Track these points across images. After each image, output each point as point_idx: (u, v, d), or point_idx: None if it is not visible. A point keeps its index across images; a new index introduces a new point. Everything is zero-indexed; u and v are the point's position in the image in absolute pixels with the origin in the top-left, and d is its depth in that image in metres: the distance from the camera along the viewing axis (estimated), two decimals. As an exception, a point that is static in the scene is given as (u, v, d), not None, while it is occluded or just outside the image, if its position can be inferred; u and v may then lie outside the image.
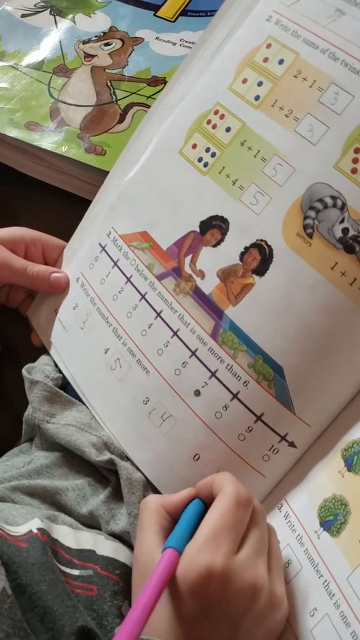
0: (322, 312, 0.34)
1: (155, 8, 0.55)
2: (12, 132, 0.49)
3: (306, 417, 0.35)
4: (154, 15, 0.55)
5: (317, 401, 0.35)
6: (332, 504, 0.32)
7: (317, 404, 0.35)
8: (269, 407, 0.35)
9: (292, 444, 0.35)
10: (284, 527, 0.34)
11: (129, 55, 0.52)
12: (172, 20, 0.54)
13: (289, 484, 0.36)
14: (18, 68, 0.53)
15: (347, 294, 0.33)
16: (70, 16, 0.55)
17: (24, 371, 0.42)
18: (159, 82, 0.50)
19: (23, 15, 0.56)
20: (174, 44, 0.52)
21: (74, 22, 0.55)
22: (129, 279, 0.40)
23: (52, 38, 0.55)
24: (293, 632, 0.31)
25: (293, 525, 0.34)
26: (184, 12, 0.54)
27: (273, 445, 0.35)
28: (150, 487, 0.38)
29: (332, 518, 0.32)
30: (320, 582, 0.31)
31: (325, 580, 0.30)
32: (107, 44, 0.53)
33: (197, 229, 0.38)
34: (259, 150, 0.36)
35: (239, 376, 0.35)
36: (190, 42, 0.52)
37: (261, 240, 0.35)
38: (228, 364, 0.36)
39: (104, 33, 0.54)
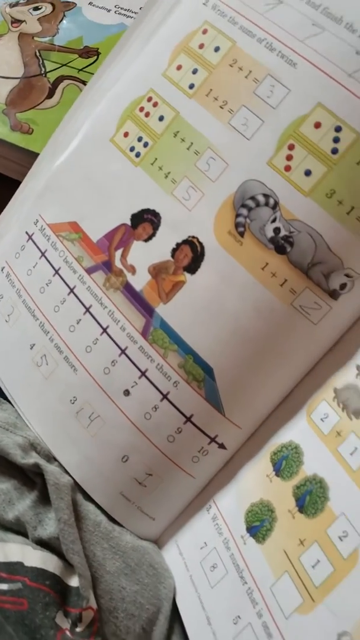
0: (253, 313, 0.34)
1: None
2: None
3: (236, 418, 0.35)
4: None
5: (247, 403, 0.35)
6: (258, 509, 0.33)
7: (247, 406, 0.35)
8: (198, 409, 0.35)
9: (222, 446, 0.35)
10: (211, 529, 0.35)
11: (60, 21, 0.50)
12: None
13: (218, 485, 0.36)
14: None
15: (277, 296, 0.33)
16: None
17: None
18: (91, 53, 0.48)
19: None
20: (109, 10, 0.50)
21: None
22: (57, 271, 0.39)
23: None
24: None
25: (220, 529, 0.34)
26: None
27: (203, 447, 0.35)
28: (79, 490, 0.38)
29: (258, 524, 0.32)
30: (244, 590, 0.31)
31: (249, 588, 0.31)
32: (36, 8, 0.50)
33: (129, 222, 0.37)
34: (192, 143, 0.35)
35: (169, 376, 0.35)
36: (126, 10, 0.50)
37: (193, 237, 0.35)
38: (158, 364, 0.36)
39: (33, -6, 0.51)
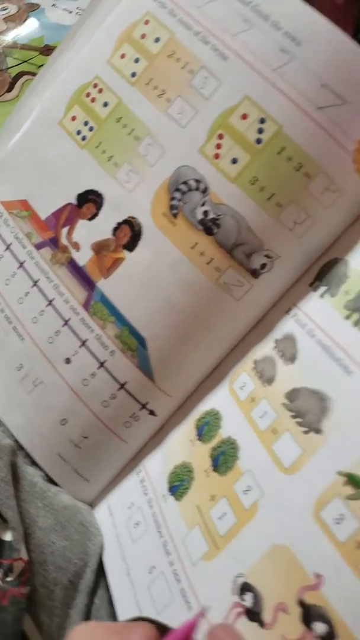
0: (182, 288, 0.36)
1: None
2: None
3: (166, 387, 0.38)
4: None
5: (176, 372, 0.38)
6: (180, 470, 0.36)
7: (176, 375, 0.38)
8: (131, 377, 0.38)
9: (152, 413, 0.38)
10: (138, 490, 0.38)
11: (24, 21, 0.53)
12: None
13: (149, 450, 0.39)
14: None
15: (204, 273, 0.36)
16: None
17: None
18: (51, 51, 0.51)
19: None
20: (70, 12, 0.53)
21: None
22: (8, 247, 0.42)
23: None
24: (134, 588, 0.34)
25: (146, 489, 0.37)
26: None
27: (134, 413, 0.38)
28: (20, 453, 0.40)
29: (178, 483, 0.35)
30: (160, 543, 0.34)
31: (165, 541, 0.34)
32: (2, 9, 0.53)
33: (75, 202, 0.40)
34: (133, 129, 0.38)
35: (106, 346, 0.38)
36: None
37: (132, 217, 0.38)
38: (97, 334, 0.39)
39: (-1, -5, 0.54)
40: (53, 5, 0.54)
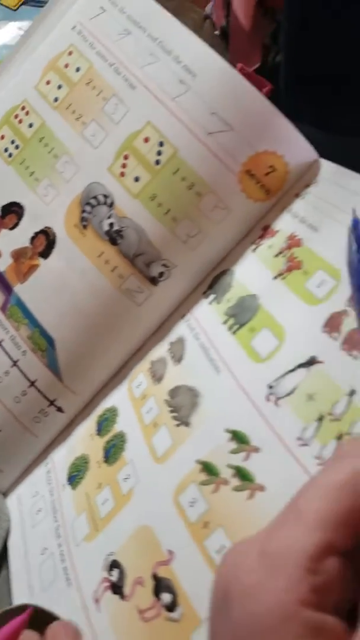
0: (89, 294, 0.40)
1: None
2: None
3: (73, 386, 0.41)
4: (-2, 2, 0.60)
5: (83, 372, 0.41)
6: (79, 462, 0.39)
7: (83, 375, 0.41)
8: (41, 375, 0.41)
9: (60, 409, 0.41)
10: (44, 480, 0.41)
11: None
12: (14, 8, 0.59)
13: (57, 444, 0.42)
14: None
15: (109, 280, 0.39)
16: None
17: None
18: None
19: None
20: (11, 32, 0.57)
21: None
22: None
23: None
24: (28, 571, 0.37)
25: (51, 480, 0.40)
26: (26, 1, 0.59)
27: (43, 409, 0.41)
28: None
29: (75, 473, 0.38)
30: (54, 527, 0.37)
31: (58, 525, 0.37)
32: None
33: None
34: (53, 148, 0.42)
35: (19, 346, 0.42)
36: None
37: (48, 227, 0.41)
38: (12, 335, 0.42)
39: None
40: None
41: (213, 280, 0.39)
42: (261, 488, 0.28)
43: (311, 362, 0.29)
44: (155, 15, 0.40)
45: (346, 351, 0.28)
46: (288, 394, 0.29)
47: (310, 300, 0.32)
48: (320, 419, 0.27)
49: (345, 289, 0.30)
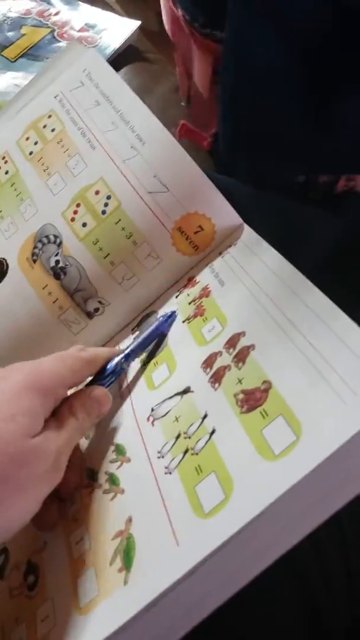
0: (30, 320, 0.46)
1: (2, 48, 0.71)
2: None
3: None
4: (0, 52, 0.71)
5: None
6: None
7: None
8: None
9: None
10: None
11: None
12: (13, 60, 0.69)
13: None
14: None
15: (49, 310, 0.46)
16: None
17: None
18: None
19: None
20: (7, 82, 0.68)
21: None
22: None
23: None
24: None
25: None
26: (25, 54, 0.69)
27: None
28: None
29: None
30: None
31: None
32: None
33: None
34: (20, 192, 0.50)
35: None
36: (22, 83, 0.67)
37: (3, 258, 0.49)
38: None
39: None
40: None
41: (142, 318, 0.45)
42: (122, 491, 0.33)
43: (185, 391, 0.35)
44: (121, 91, 0.48)
45: (210, 383, 0.34)
46: (162, 416, 0.35)
47: (200, 342, 0.38)
48: (178, 437, 0.33)
49: (226, 334, 0.37)
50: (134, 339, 0.42)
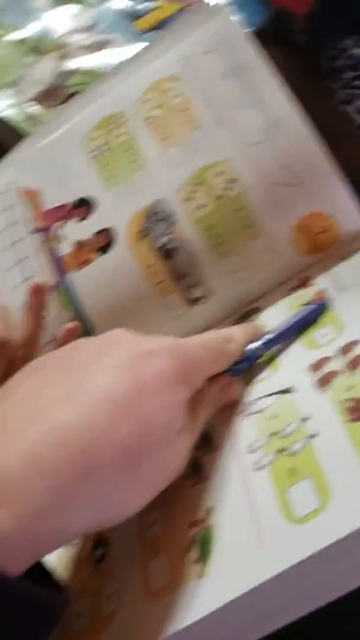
0: (131, 296, 0.46)
1: (137, 17, 0.73)
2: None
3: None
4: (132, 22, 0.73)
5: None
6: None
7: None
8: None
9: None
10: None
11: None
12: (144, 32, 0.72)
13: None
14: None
15: (152, 290, 0.46)
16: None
17: None
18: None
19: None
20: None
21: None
22: (13, 224, 0.54)
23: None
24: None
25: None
26: (156, 27, 0.71)
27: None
28: None
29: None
30: None
31: None
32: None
33: (74, 203, 0.51)
34: (136, 160, 0.49)
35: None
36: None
37: (112, 227, 0.49)
38: (54, 316, 0.49)
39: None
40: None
41: (244, 314, 0.45)
42: (205, 479, 0.33)
43: (286, 391, 0.35)
44: (257, 65, 0.46)
45: (316, 387, 0.34)
46: (257, 412, 0.35)
47: (311, 345, 0.37)
48: (272, 434, 0.33)
49: (342, 340, 0.36)
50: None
